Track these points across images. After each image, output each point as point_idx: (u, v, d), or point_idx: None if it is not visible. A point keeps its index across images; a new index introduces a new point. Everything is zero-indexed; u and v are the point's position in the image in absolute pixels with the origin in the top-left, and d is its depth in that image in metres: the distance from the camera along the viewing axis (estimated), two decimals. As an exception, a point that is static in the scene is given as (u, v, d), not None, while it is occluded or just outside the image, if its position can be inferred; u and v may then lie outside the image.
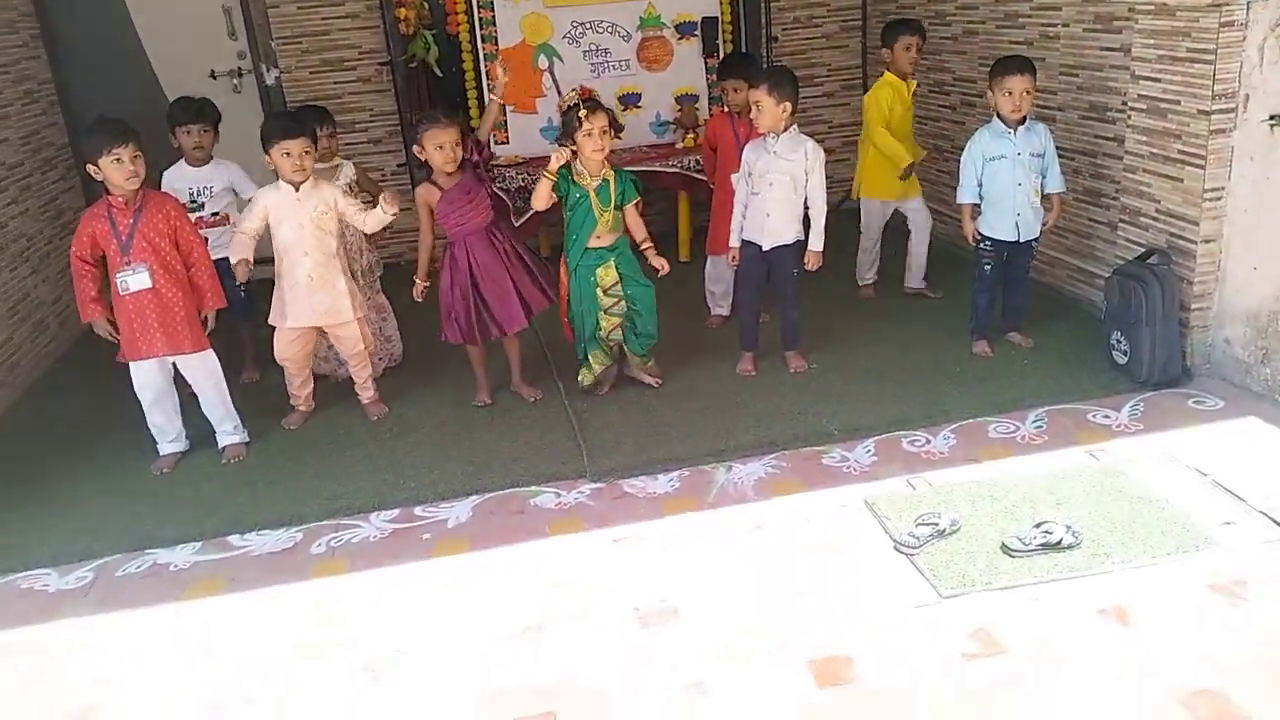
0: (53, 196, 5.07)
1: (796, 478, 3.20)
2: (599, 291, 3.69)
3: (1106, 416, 3.44)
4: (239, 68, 5.59)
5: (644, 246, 3.73)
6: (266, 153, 3.52)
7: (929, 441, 3.36)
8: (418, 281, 3.76)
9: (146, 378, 3.45)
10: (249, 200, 3.90)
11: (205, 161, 4.02)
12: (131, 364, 3.43)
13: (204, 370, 3.52)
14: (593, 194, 3.60)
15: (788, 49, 6.04)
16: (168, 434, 3.56)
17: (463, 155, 3.61)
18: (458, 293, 3.69)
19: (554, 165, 3.54)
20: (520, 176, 5.19)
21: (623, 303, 3.72)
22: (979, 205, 3.91)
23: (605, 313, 3.71)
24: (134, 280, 3.29)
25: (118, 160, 3.20)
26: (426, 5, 5.35)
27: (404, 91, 5.60)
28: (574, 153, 3.58)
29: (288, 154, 3.48)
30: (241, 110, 5.55)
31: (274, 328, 3.71)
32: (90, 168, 3.26)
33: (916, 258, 4.65)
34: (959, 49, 5.04)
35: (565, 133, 3.60)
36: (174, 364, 3.50)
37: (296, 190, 3.55)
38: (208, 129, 4.03)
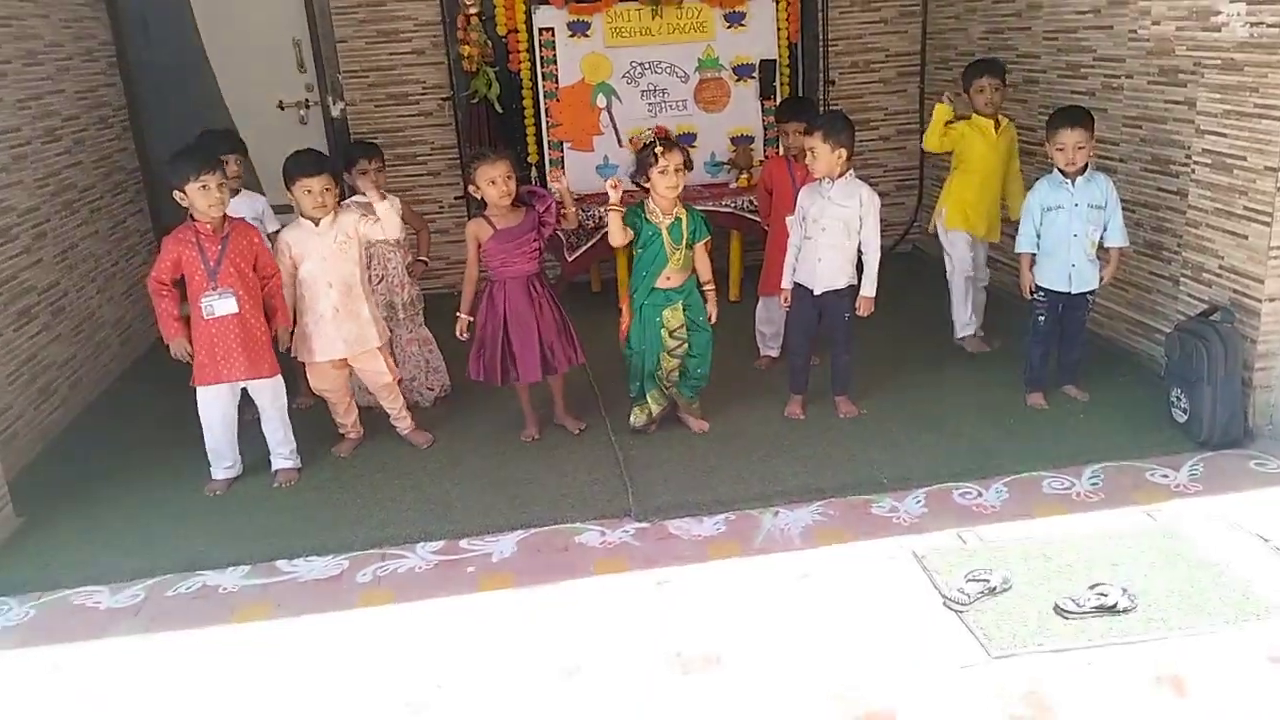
0: (121, 219, 5.23)
1: (844, 526, 3.16)
2: (664, 333, 3.69)
3: (1165, 476, 3.36)
4: (306, 99, 5.73)
5: (706, 289, 3.74)
6: (289, 189, 3.59)
7: (981, 495, 3.31)
8: (461, 316, 3.75)
9: (215, 402, 3.52)
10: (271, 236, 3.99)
11: (235, 193, 4.12)
12: (200, 388, 3.50)
13: (272, 393, 3.59)
14: (665, 232, 3.61)
15: (845, 92, 6.06)
16: (224, 459, 3.62)
17: (534, 206, 3.66)
18: (489, 331, 3.73)
19: (615, 198, 3.55)
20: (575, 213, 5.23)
21: (685, 345, 3.73)
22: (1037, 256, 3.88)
23: (668, 354, 3.72)
24: (220, 305, 3.38)
25: (204, 187, 3.31)
26: (489, 43, 5.45)
27: (465, 126, 5.70)
28: (645, 189, 3.61)
29: (309, 191, 3.55)
30: (306, 141, 5.64)
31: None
32: (176, 193, 3.35)
33: (975, 304, 4.58)
34: (1019, 97, 5.00)
35: (640, 169, 3.63)
36: (243, 389, 3.57)
37: (316, 225, 3.61)
38: (242, 159, 4.14)
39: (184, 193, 3.33)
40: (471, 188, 3.69)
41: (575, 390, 4.14)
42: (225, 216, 3.44)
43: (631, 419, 3.82)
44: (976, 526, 3.12)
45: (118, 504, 3.58)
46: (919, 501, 3.28)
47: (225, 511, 3.49)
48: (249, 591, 3.01)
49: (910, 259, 6.12)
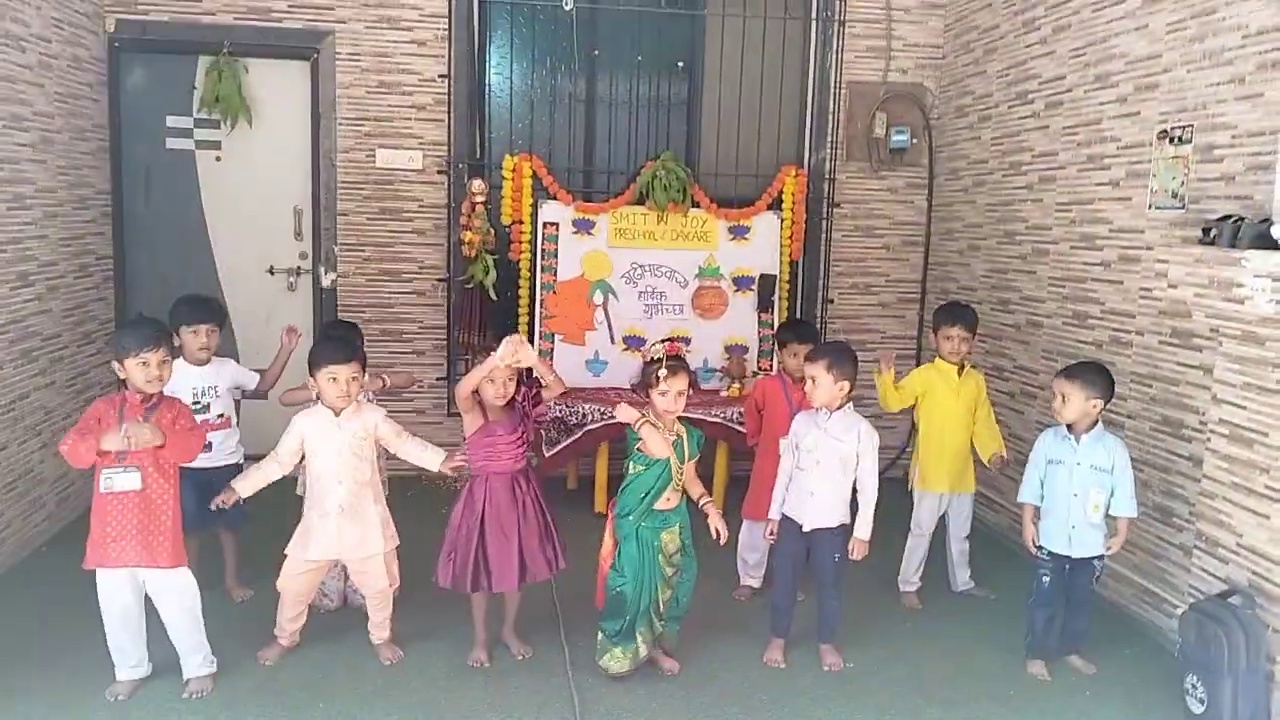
0: (83, 370, 4.98)
1: (824, 816, 2.76)
2: (662, 559, 3.38)
3: (1184, 781, 3.00)
4: (298, 267, 5.61)
5: (704, 503, 3.46)
6: (312, 375, 3.38)
7: (978, 789, 2.92)
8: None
9: (114, 589, 3.13)
10: (242, 389, 3.98)
11: (206, 361, 3.91)
12: (99, 572, 3.13)
13: (175, 591, 3.19)
14: (673, 450, 3.38)
15: (842, 312, 6.01)
16: (129, 657, 3.21)
17: (515, 395, 3.45)
18: (463, 532, 3.43)
19: (631, 416, 3.32)
20: (558, 407, 5.03)
21: (680, 572, 3.42)
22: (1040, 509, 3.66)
23: (664, 582, 3.39)
24: (121, 480, 3.05)
25: (144, 364, 3.07)
26: (492, 231, 5.39)
27: (456, 309, 5.57)
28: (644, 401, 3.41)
29: (334, 379, 3.32)
30: (290, 308, 5.54)
31: (285, 554, 3.43)
32: (115, 364, 3.12)
33: (958, 555, 4.30)
34: (1022, 338, 4.92)
35: (642, 384, 3.44)
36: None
37: (336, 415, 3.37)
38: (215, 328, 3.93)
39: (121, 365, 3.10)
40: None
41: (534, 608, 3.79)
42: (160, 392, 3.18)
43: (609, 663, 3.40)
44: (974, 830, 2.73)
45: (10, 700, 3.14)
46: (909, 791, 2.89)
47: (123, 723, 3.07)
48: (125, 837, 2.56)
49: (903, 486, 5.88)
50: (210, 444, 3.81)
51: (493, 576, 3.42)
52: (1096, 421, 3.54)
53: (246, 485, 3.38)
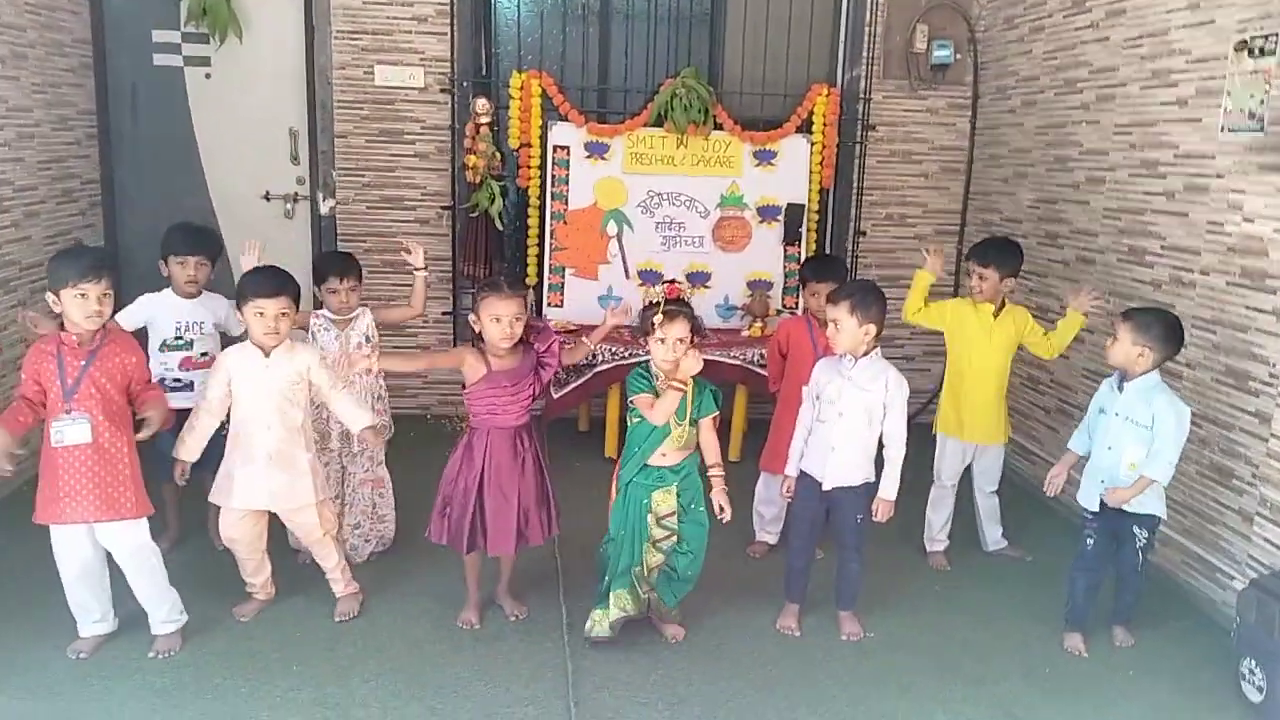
0: (71, 301, 4.73)
1: (834, 810, 2.50)
2: (650, 519, 3.10)
3: (1238, 777, 2.70)
4: (295, 193, 5.30)
5: (712, 473, 3.16)
6: (239, 309, 3.10)
7: (1007, 784, 2.64)
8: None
9: (70, 546, 2.91)
10: (226, 331, 3.70)
11: (196, 295, 3.63)
12: (53, 529, 2.90)
13: (131, 543, 2.94)
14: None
15: (876, 245, 5.60)
16: (91, 613, 3.00)
17: (533, 344, 3.16)
18: (460, 487, 3.16)
19: (689, 369, 3.04)
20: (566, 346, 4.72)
21: (674, 537, 3.13)
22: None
23: (652, 545, 3.12)
24: (71, 432, 2.80)
25: (82, 296, 2.79)
26: (499, 155, 5.04)
27: (461, 239, 5.25)
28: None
29: (261, 313, 3.04)
30: (288, 237, 5.25)
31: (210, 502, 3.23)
32: (50, 297, 2.84)
33: (985, 511, 3.98)
34: (1071, 276, 4.51)
35: (641, 329, 3.13)
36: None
37: (266, 355, 3.10)
38: (205, 262, 3.66)
39: (58, 298, 2.81)
40: (472, 317, 3.17)
41: (534, 563, 3.55)
42: (103, 330, 2.90)
43: (592, 627, 3.14)
44: (1001, 831, 2.46)
45: (-33, 657, 2.96)
46: (930, 784, 2.62)
47: (84, 685, 2.85)
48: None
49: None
50: (191, 383, 3.60)
51: (489, 538, 3.17)
52: (1147, 373, 3.17)
53: (189, 450, 3.15)
